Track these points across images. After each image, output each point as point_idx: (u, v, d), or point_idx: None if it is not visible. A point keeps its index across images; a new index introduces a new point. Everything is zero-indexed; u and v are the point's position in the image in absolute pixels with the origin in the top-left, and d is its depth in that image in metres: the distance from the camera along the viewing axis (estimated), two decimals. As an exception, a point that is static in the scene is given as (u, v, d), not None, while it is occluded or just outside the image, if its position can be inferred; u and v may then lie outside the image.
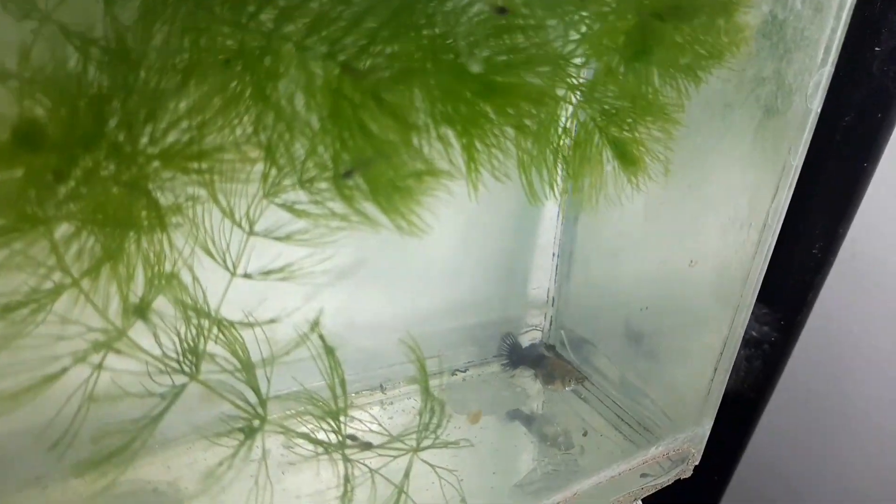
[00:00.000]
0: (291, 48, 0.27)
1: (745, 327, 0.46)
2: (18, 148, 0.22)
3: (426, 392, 0.36)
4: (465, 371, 0.52)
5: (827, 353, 0.80)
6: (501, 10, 0.28)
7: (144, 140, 0.28)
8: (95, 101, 0.26)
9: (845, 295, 0.76)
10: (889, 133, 0.64)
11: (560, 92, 0.35)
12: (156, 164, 0.28)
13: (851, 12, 0.37)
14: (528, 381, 0.53)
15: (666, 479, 0.49)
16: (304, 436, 0.35)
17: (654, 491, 0.49)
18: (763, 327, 0.74)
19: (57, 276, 0.30)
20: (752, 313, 0.73)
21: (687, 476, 0.51)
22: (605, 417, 0.51)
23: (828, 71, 0.38)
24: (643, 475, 0.48)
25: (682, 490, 0.85)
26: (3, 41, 0.26)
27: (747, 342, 0.74)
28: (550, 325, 0.56)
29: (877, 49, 0.59)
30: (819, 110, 0.39)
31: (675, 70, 0.36)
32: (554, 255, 0.54)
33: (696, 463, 0.51)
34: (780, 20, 0.37)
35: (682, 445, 0.49)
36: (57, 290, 0.30)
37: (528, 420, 0.49)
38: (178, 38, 0.28)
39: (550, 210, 0.53)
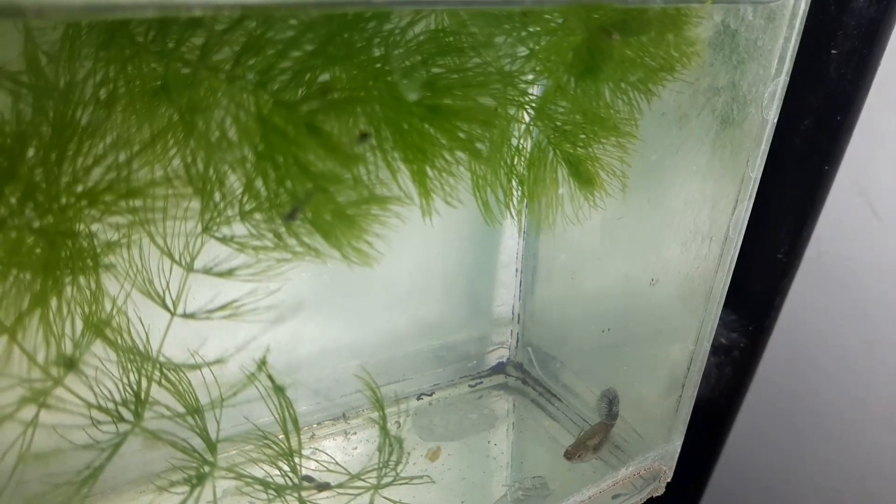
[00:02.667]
0: (221, 78, 0.25)
1: (711, 340, 0.45)
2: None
3: (384, 430, 0.34)
4: (430, 395, 0.51)
5: (797, 354, 0.80)
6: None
7: (67, 179, 0.26)
8: (10, 138, 0.25)
9: (813, 296, 0.76)
10: (848, 135, 0.64)
11: (511, 111, 0.34)
12: (82, 203, 0.27)
13: (804, 21, 0.36)
14: (495, 402, 0.52)
15: (638, 499, 0.48)
16: (257, 480, 0.33)
17: (626, 510, 0.48)
18: (731, 334, 0.74)
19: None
20: (721, 320, 0.73)
21: (659, 493, 0.50)
22: (574, 436, 0.50)
23: (783, 81, 0.37)
24: (615, 496, 0.47)
25: (659, 500, 0.85)
26: None
27: (717, 349, 0.74)
28: (517, 342, 0.55)
29: (833, 52, 0.59)
30: (776, 121, 0.38)
31: (626, 84, 0.35)
32: (517, 270, 0.53)
33: (668, 480, 0.50)
34: (732, 30, 0.36)
35: (653, 463, 0.48)
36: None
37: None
38: (102, 68, 0.26)
39: (511, 227, 0.52)
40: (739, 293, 0.71)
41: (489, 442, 0.48)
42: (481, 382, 0.54)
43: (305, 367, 0.44)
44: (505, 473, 0.46)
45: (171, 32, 0.26)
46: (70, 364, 0.27)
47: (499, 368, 0.55)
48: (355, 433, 0.47)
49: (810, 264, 0.73)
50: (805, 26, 0.58)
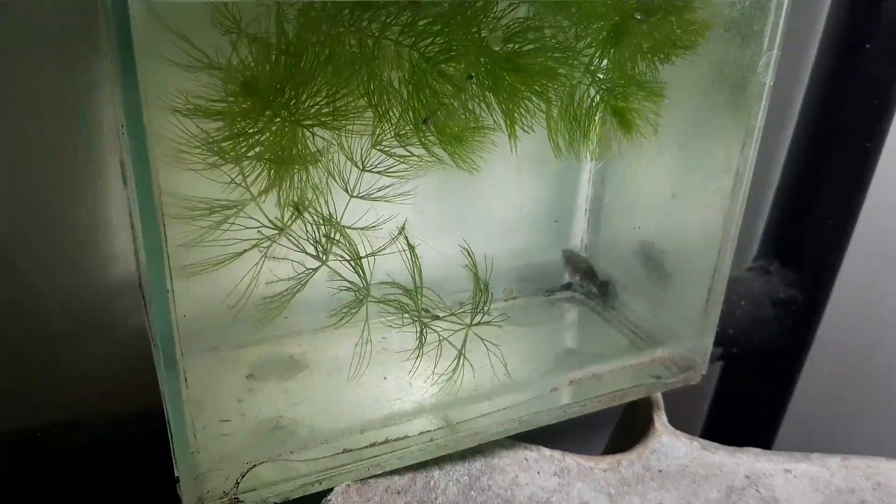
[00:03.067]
0: (390, 44, 0.44)
1: (731, 258, 0.59)
2: (244, 93, 0.40)
3: (476, 278, 0.52)
4: (514, 299, 0.68)
5: (858, 309, 0.90)
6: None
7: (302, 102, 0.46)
8: (279, 77, 0.45)
9: (869, 255, 0.86)
10: (888, 116, 0.75)
11: (569, 71, 0.51)
12: (308, 119, 0.46)
13: (789, 9, 0.51)
14: (563, 309, 0.69)
15: (675, 381, 0.62)
16: (393, 302, 0.52)
17: (666, 389, 0.63)
18: (790, 290, 0.85)
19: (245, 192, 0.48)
20: (779, 278, 0.85)
21: (695, 382, 0.64)
22: (623, 335, 0.65)
23: (774, 54, 0.52)
24: (655, 376, 0.62)
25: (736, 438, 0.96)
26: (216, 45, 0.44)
27: (776, 303, 0.86)
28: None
29: (867, 46, 0.71)
30: (771, 83, 0.53)
31: (653, 56, 0.51)
32: (586, 210, 0.69)
33: (703, 372, 0.64)
34: (734, 18, 0.51)
35: (687, 353, 0.62)
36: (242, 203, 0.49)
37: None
38: (322, 40, 0.46)
39: (584, 175, 0.68)
40: (797, 255, 0.83)
41: (554, 328, 0.65)
42: (553, 295, 0.70)
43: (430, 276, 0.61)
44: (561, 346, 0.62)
45: (361, 14, 0.45)
46: (298, 209, 0.47)
47: (568, 286, 0.71)
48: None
49: (863, 231, 0.83)
50: (845, 23, 0.71)
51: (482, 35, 0.45)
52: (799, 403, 0.95)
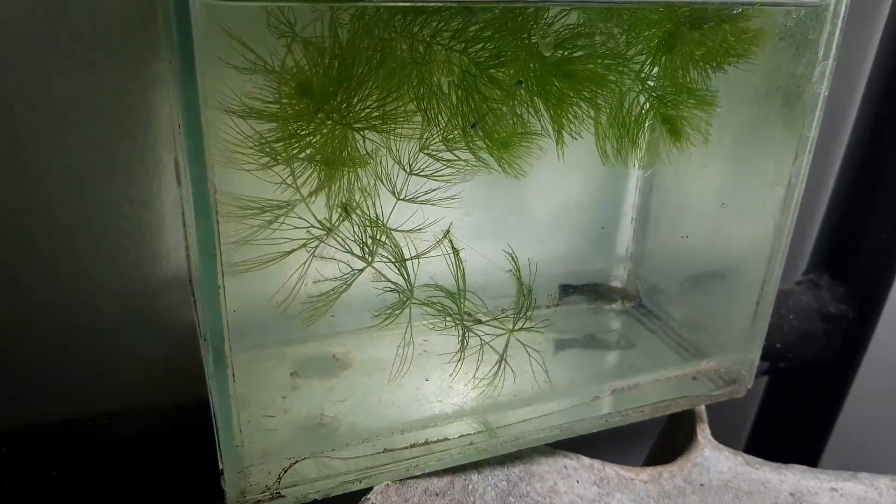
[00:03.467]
0: (441, 49, 0.45)
1: (781, 270, 0.58)
2: (297, 96, 0.41)
3: (519, 282, 0.52)
4: (558, 306, 0.68)
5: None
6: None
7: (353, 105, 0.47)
8: (332, 80, 0.46)
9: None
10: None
11: (619, 78, 0.51)
12: (359, 122, 0.47)
13: (845, 18, 0.50)
14: (608, 318, 0.68)
15: (720, 394, 0.61)
16: (436, 305, 0.52)
17: (711, 402, 0.62)
18: (840, 305, 0.83)
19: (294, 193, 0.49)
20: (830, 292, 0.83)
21: (740, 395, 0.63)
22: (667, 345, 0.64)
23: (830, 63, 0.51)
24: (699, 388, 0.61)
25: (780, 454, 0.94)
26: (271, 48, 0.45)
27: (826, 317, 0.83)
28: (628, 275, 0.70)
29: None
30: (826, 93, 0.52)
31: (705, 64, 0.50)
32: (632, 219, 0.68)
33: (749, 386, 0.63)
34: (789, 27, 0.51)
35: (732, 366, 0.61)
36: (292, 204, 0.50)
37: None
38: (374, 44, 0.47)
39: (631, 183, 0.67)
40: (848, 270, 0.81)
41: (596, 336, 0.64)
42: (598, 303, 0.70)
43: (472, 280, 0.61)
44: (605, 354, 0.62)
45: (413, 20, 0.45)
46: (346, 211, 0.48)
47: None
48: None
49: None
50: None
51: (532, 41, 0.45)
52: (847, 421, 0.92)
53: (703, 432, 0.67)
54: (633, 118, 0.53)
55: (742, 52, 0.50)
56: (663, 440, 0.74)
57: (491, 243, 0.64)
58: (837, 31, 0.49)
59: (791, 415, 0.90)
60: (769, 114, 0.54)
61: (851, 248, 0.81)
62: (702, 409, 0.64)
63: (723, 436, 0.65)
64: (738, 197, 0.58)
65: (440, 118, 0.47)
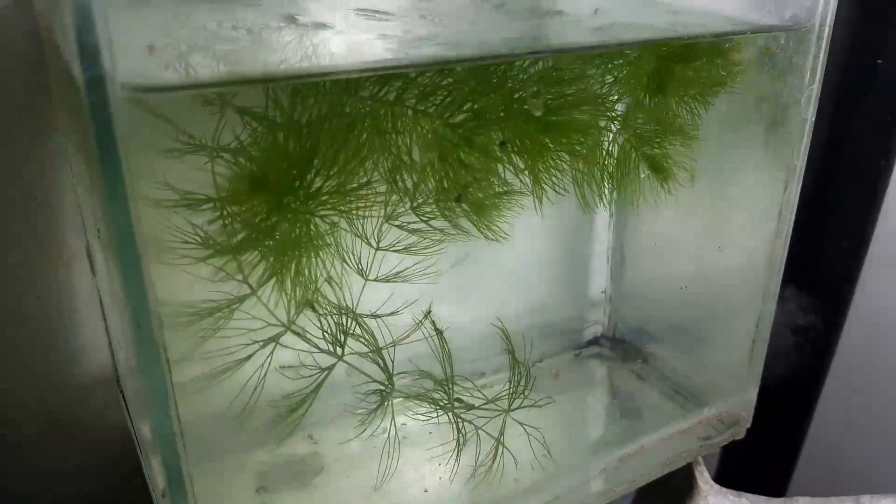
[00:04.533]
0: (408, 111, 0.38)
1: (774, 304, 0.55)
2: (251, 190, 0.34)
3: (514, 359, 0.46)
4: (540, 361, 0.62)
5: (874, 332, 0.87)
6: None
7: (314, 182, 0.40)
8: (284, 161, 0.38)
9: (883, 279, 0.83)
10: (900, 132, 0.72)
11: (602, 123, 0.46)
12: (316, 202, 0.40)
13: (829, 41, 0.46)
14: (593, 367, 0.63)
15: (721, 439, 0.58)
16: (422, 396, 0.46)
17: (713, 449, 0.58)
18: (808, 316, 0.82)
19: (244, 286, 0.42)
20: (798, 304, 0.81)
21: (740, 437, 0.59)
22: (662, 392, 0.60)
23: (815, 88, 0.47)
24: (703, 437, 0.57)
25: (753, 474, 0.92)
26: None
27: (795, 330, 0.82)
28: (609, 319, 0.66)
29: (879, 62, 0.68)
30: (813, 119, 0.48)
31: (688, 98, 0.46)
32: (608, 259, 0.64)
33: (748, 426, 0.59)
34: (772, 52, 0.47)
35: (732, 409, 0.58)
36: (243, 297, 0.42)
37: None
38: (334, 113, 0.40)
39: (602, 224, 0.63)
40: (814, 280, 0.80)
41: (590, 394, 0.59)
42: (581, 353, 0.65)
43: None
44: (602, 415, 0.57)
45: (378, 85, 0.39)
46: (311, 305, 0.40)
47: (594, 341, 0.66)
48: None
49: (878, 250, 0.80)
50: (853, 44, 0.68)
51: (516, 97, 0.39)
52: (818, 432, 0.91)
53: (703, 476, 0.63)
54: (614, 161, 0.49)
55: (726, 83, 0.46)
56: (655, 484, 0.69)
57: (464, 301, 0.58)
58: (822, 55, 0.46)
59: (764, 431, 0.89)
60: (755, 144, 0.50)
61: (814, 259, 0.79)
62: (699, 452, 0.60)
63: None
64: (726, 233, 0.54)
65: (416, 192, 0.41)
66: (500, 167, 0.42)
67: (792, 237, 0.80)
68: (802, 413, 0.88)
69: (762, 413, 0.87)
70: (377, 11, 0.44)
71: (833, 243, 0.78)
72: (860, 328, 0.86)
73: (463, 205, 0.41)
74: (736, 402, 0.58)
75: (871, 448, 0.92)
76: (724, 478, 0.95)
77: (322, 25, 0.41)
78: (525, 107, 0.39)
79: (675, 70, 0.44)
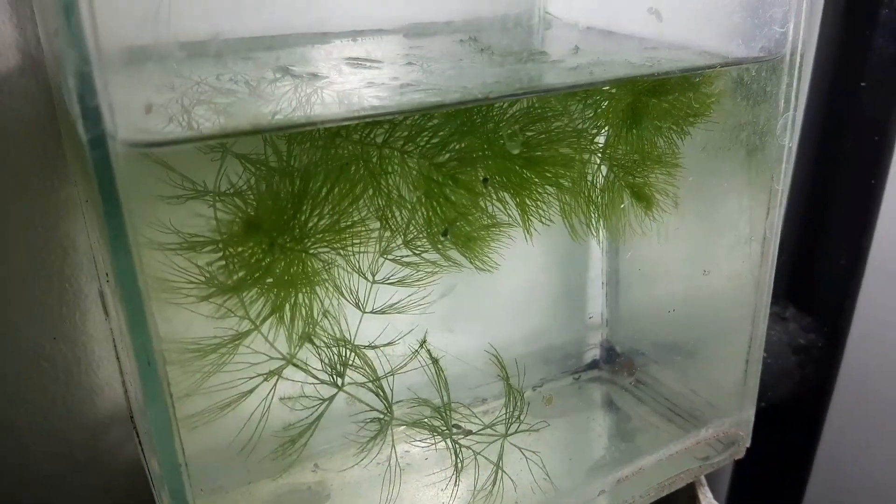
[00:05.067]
0: (395, 153, 0.41)
1: (766, 324, 0.56)
2: (251, 232, 0.36)
3: (508, 385, 0.48)
4: (540, 386, 0.64)
5: (877, 347, 0.87)
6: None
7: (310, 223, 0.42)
8: (282, 203, 0.41)
9: (883, 294, 0.84)
10: (889, 152, 0.73)
11: (583, 156, 0.48)
12: (313, 240, 0.42)
13: (801, 69, 0.48)
14: (592, 391, 0.64)
15: (720, 459, 0.58)
16: (420, 423, 0.47)
17: (711, 470, 0.58)
18: (809, 335, 0.83)
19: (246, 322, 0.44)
20: (798, 323, 0.82)
21: (740, 457, 0.60)
22: (659, 413, 0.61)
23: (791, 115, 0.49)
24: (702, 458, 0.58)
25: (763, 497, 0.91)
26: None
27: (797, 350, 0.83)
28: (606, 342, 0.67)
29: (863, 84, 0.70)
30: (791, 145, 0.50)
31: (666, 128, 0.48)
32: (603, 283, 0.65)
33: (748, 445, 0.60)
34: (745, 82, 0.49)
35: (730, 429, 0.58)
36: (245, 333, 0.44)
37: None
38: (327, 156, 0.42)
39: (596, 249, 0.65)
40: (812, 298, 0.81)
41: (588, 417, 0.60)
42: (580, 377, 0.66)
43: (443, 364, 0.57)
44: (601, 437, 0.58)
45: (365, 129, 0.41)
46: (309, 339, 0.42)
47: (593, 365, 0.67)
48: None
49: (875, 267, 0.81)
50: (836, 66, 0.70)
51: (497, 136, 0.41)
52: (827, 450, 0.91)
53: (706, 497, 0.63)
54: (598, 190, 0.51)
55: (702, 113, 0.48)
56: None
57: (467, 327, 0.59)
58: (795, 83, 0.48)
59: (773, 452, 0.89)
60: (736, 170, 0.52)
61: (812, 277, 0.80)
62: (701, 473, 0.60)
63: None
64: (714, 256, 0.56)
65: (405, 226, 0.43)
66: (484, 202, 0.44)
67: (789, 258, 0.82)
68: (810, 433, 0.88)
69: (770, 434, 0.88)
70: (368, 60, 0.47)
71: (830, 262, 0.79)
72: (863, 344, 0.87)
73: (450, 238, 0.43)
74: (734, 422, 0.59)
75: (881, 465, 0.91)
76: (735, 501, 0.95)
77: (315, 76, 0.43)
78: (513, 152, 0.41)
79: (650, 103, 0.46)
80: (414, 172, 0.41)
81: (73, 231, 0.55)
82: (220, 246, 0.38)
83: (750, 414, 0.59)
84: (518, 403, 0.48)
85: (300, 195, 0.39)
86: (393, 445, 0.48)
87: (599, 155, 0.49)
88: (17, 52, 0.49)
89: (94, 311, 0.58)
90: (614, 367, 0.64)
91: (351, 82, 0.43)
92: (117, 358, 0.59)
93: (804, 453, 0.89)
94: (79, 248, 0.55)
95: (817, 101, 0.74)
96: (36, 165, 0.52)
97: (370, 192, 0.41)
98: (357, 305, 0.47)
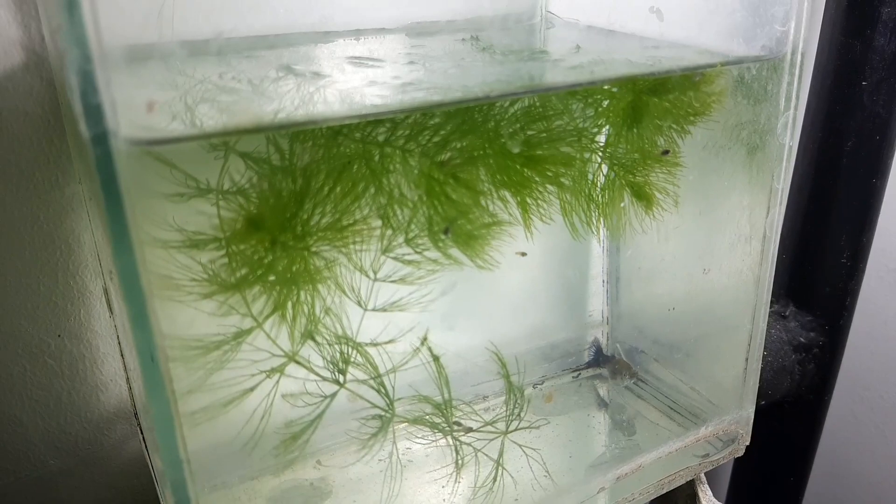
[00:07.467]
0: (397, 152, 0.41)
1: (765, 323, 0.56)
2: (254, 229, 0.36)
3: (508, 383, 0.48)
4: (541, 384, 0.64)
5: (877, 348, 0.87)
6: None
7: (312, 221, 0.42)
8: (284, 201, 0.41)
9: (883, 292, 0.84)
10: (889, 151, 0.73)
11: (583, 154, 0.48)
12: (315, 238, 0.43)
13: (802, 68, 0.49)
14: (594, 386, 0.65)
15: (720, 457, 0.59)
16: (421, 420, 0.48)
17: (711, 468, 0.59)
18: (810, 333, 0.83)
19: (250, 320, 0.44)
20: (798, 322, 0.82)
21: (740, 455, 0.60)
22: (659, 410, 0.61)
23: (791, 113, 0.49)
24: (701, 455, 0.58)
25: (763, 495, 0.92)
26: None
27: (797, 348, 0.83)
28: (607, 340, 0.67)
29: (864, 83, 0.70)
30: (792, 144, 0.50)
31: (667, 127, 0.48)
32: (603, 282, 0.65)
33: (748, 443, 0.60)
34: (746, 81, 0.49)
35: (729, 427, 0.59)
36: (248, 330, 0.45)
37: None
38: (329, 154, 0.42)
39: (597, 247, 0.65)
40: (813, 297, 0.81)
41: (588, 414, 0.61)
42: (580, 374, 0.66)
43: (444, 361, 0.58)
44: (601, 434, 0.59)
45: (367, 127, 0.42)
46: (310, 336, 0.43)
47: (594, 362, 0.67)
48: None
49: (875, 265, 0.81)
50: (836, 65, 0.70)
51: (500, 133, 0.42)
52: (828, 447, 0.91)
53: (706, 495, 0.64)
54: (598, 189, 0.51)
55: (701, 113, 0.48)
56: (658, 502, 0.70)
57: (469, 325, 0.60)
58: (797, 82, 0.48)
59: (773, 450, 0.89)
60: (737, 169, 0.52)
61: (813, 275, 0.80)
62: (701, 471, 0.61)
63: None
64: (715, 254, 0.56)
65: (406, 224, 0.43)
66: (485, 201, 0.44)
67: (790, 257, 0.82)
68: (810, 431, 0.88)
69: (770, 432, 0.88)
70: (370, 59, 0.47)
71: (830, 260, 0.79)
72: (863, 343, 0.87)
73: (451, 236, 0.43)
74: (733, 420, 0.59)
75: (881, 463, 0.91)
76: (735, 499, 0.95)
77: (317, 75, 0.44)
78: (514, 151, 0.42)
79: (650, 102, 0.46)
80: (415, 170, 0.41)
81: (77, 228, 0.55)
82: (223, 243, 0.38)
83: (750, 412, 0.59)
84: (518, 401, 0.49)
85: (302, 193, 0.39)
86: (394, 442, 0.48)
87: (600, 154, 0.49)
88: (22, 50, 0.50)
89: (99, 308, 0.58)
90: (614, 367, 0.65)
91: (353, 81, 0.43)
92: (121, 354, 0.60)
93: (804, 451, 0.89)
94: (83, 244, 0.56)
95: (818, 99, 0.74)
96: (40, 162, 0.52)
97: (372, 190, 0.41)
98: (359, 303, 0.47)
